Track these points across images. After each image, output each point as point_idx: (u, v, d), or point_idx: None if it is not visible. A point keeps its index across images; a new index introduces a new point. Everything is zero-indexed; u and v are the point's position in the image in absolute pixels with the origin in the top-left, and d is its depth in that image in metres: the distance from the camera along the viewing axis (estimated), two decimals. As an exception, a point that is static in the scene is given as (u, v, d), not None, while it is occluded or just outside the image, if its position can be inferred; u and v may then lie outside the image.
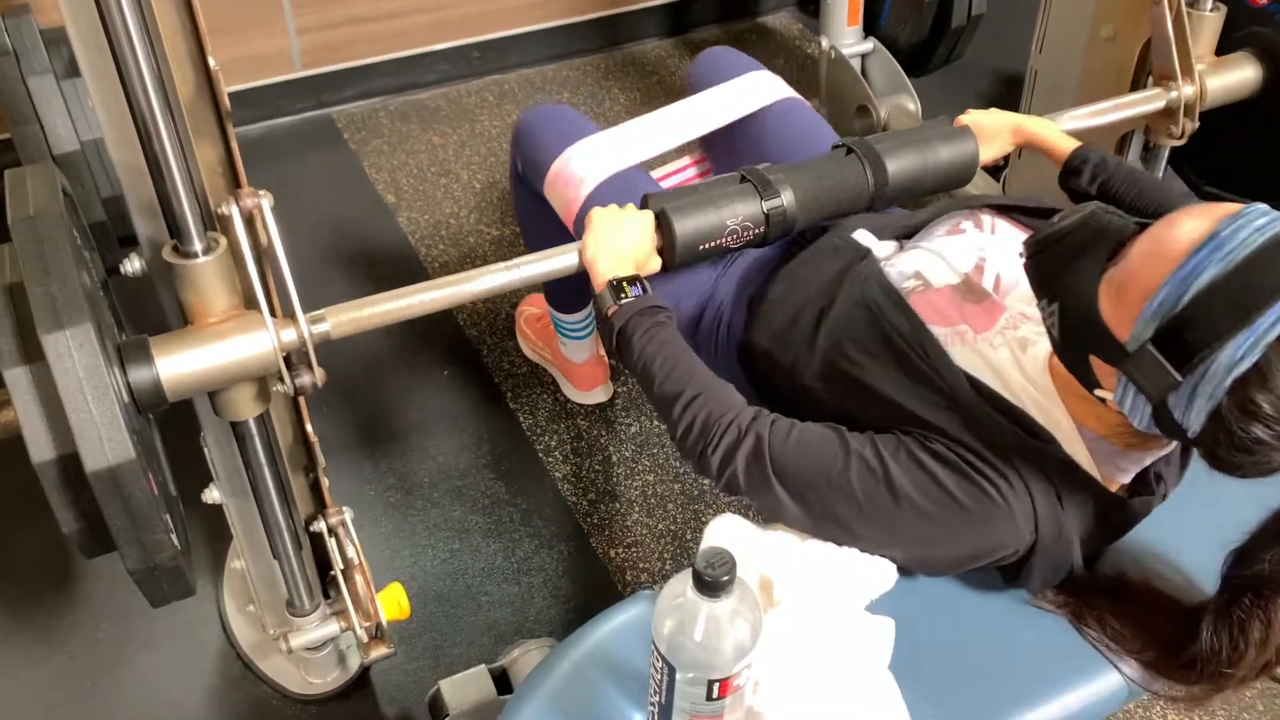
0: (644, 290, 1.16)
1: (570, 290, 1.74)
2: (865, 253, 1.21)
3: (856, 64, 2.30)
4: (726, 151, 1.59)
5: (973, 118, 1.40)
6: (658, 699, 0.85)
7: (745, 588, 0.80)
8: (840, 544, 1.02)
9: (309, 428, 1.24)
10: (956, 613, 1.07)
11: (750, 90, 1.56)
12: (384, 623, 1.31)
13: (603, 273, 1.17)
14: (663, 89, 2.63)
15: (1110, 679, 1.03)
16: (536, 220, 1.62)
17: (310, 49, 2.42)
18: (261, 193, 0.99)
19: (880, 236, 1.24)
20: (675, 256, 1.23)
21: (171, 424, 1.37)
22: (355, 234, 2.22)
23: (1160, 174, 1.77)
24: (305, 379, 1.07)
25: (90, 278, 1.00)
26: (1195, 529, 1.05)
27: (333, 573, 1.34)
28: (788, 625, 0.93)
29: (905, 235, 1.24)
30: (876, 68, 2.33)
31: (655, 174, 1.70)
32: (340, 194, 2.32)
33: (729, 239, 1.24)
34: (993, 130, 1.39)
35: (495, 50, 2.63)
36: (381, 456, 1.81)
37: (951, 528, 0.98)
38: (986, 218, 1.17)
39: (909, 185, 1.32)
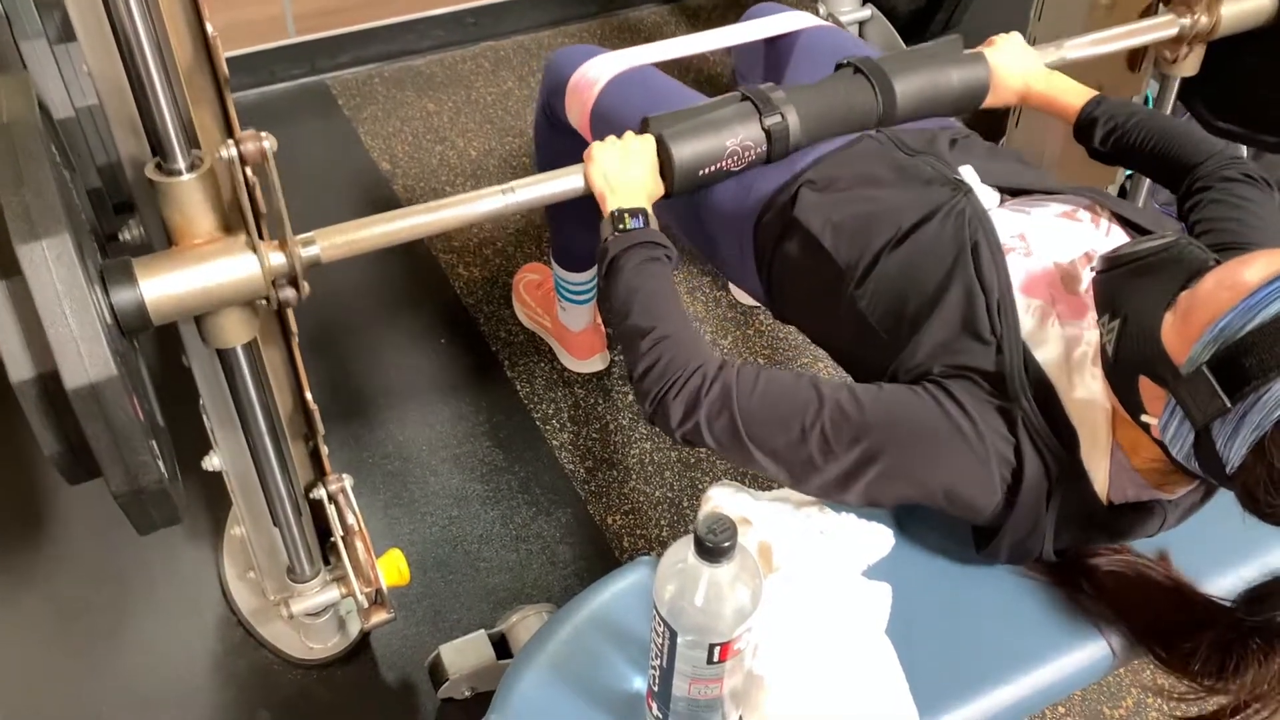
0: (645, 222, 1.13)
1: (576, 238, 1.72)
2: (968, 189, 1.14)
3: (855, 31, 2.29)
4: (758, 73, 1.56)
5: (994, 58, 1.33)
6: (659, 662, 0.86)
7: (746, 553, 0.81)
8: (806, 482, 1.00)
9: (308, 395, 1.24)
10: (952, 578, 1.08)
11: (786, 19, 1.54)
12: (384, 588, 1.32)
13: (608, 200, 1.15)
14: (659, 56, 2.62)
15: (1097, 646, 1.04)
16: (556, 160, 1.61)
17: (304, 14, 2.40)
18: (264, 135, 0.96)
19: (984, 180, 1.17)
20: (675, 183, 1.19)
21: (170, 398, 1.38)
22: (350, 202, 2.21)
23: (1170, 106, 1.72)
24: (288, 292, 1.04)
25: (70, 194, 0.96)
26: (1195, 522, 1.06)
27: (333, 539, 1.34)
28: (786, 590, 0.94)
29: (1011, 193, 1.18)
30: (874, 35, 2.32)
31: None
32: (335, 161, 2.31)
33: (730, 161, 1.20)
34: (1002, 82, 1.33)
35: (490, 16, 2.61)
36: (380, 425, 1.82)
37: (924, 458, 0.97)
38: (1104, 219, 1.13)
39: (918, 107, 1.27)
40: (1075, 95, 1.32)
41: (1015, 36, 1.38)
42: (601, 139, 1.28)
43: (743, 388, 1.00)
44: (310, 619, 1.48)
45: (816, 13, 2.30)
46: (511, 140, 2.36)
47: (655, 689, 0.89)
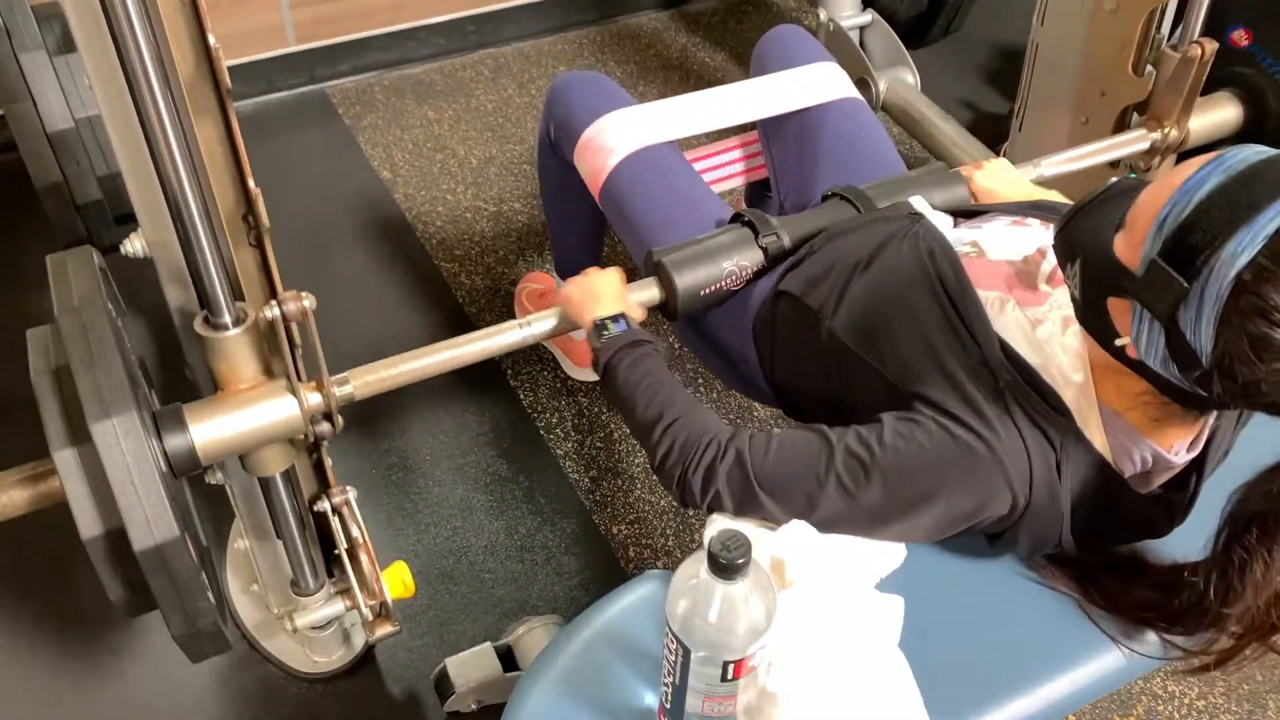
0: (626, 324, 1.19)
1: (580, 254, 1.73)
2: (920, 217, 1.21)
3: (855, 36, 2.28)
4: (782, 139, 1.56)
5: (981, 178, 1.40)
6: (671, 679, 0.85)
7: (759, 569, 0.80)
8: (831, 530, 1.01)
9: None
10: (965, 589, 1.07)
11: (814, 83, 1.54)
12: (389, 601, 1.31)
13: (586, 315, 1.22)
14: (659, 61, 2.61)
15: (1113, 656, 1.03)
16: (560, 190, 1.62)
17: (303, 23, 2.40)
18: (304, 295, 1.04)
19: (935, 207, 1.26)
20: (678, 307, 1.30)
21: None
22: (351, 211, 2.20)
23: None
24: (324, 427, 1.15)
25: (127, 351, 1.05)
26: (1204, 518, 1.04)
27: (337, 552, 1.33)
28: (799, 605, 0.93)
29: (963, 216, 1.26)
30: (875, 40, 2.31)
31: (697, 155, 1.68)
32: (335, 170, 2.30)
33: (728, 281, 1.30)
34: (992, 194, 1.39)
35: (490, 23, 2.60)
36: (383, 436, 1.81)
37: (940, 488, 0.97)
38: (1054, 225, 1.15)
39: None
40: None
41: (1002, 161, 1.47)
42: (609, 216, 1.44)
43: (755, 452, 1.03)
44: (315, 632, 1.47)
45: (817, 18, 2.29)
46: (512, 148, 2.36)
47: (668, 706, 0.88)
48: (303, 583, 1.39)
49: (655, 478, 1.74)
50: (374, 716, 1.49)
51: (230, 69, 2.57)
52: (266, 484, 1.23)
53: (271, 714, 1.48)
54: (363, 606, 1.32)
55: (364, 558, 1.31)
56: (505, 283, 2.05)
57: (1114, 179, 0.98)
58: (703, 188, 1.47)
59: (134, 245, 1.24)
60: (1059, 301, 1.03)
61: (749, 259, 1.30)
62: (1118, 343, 0.91)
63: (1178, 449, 0.99)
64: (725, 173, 1.67)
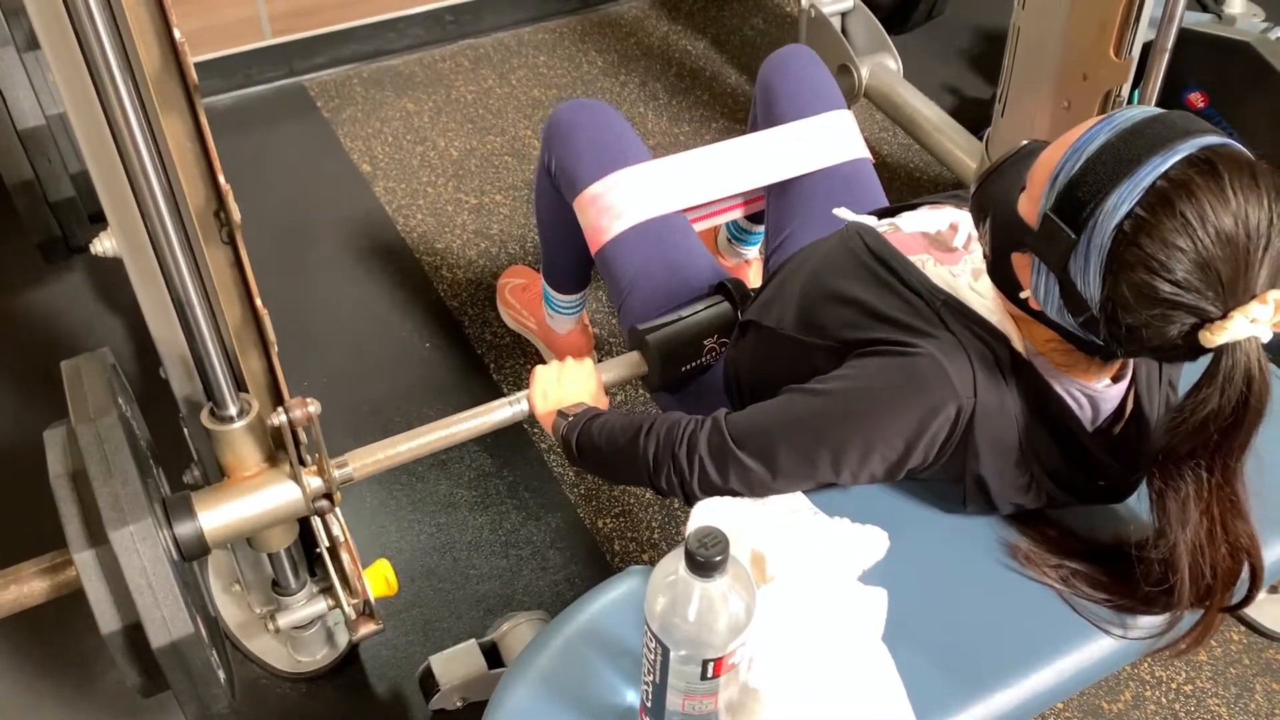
0: (584, 404, 1.25)
1: (569, 272, 1.72)
2: (845, 224, 1.26)
3: (837, 22, 2.26)
4: (785, 197, 1.55)
5: None
6: (651, 678, 0.84)
7: (738, 566, 0.79)
8: (810, 481, 1.05)
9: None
10: (948, 582, 1.06)
11: (822, 141, 1.52)
12: (371, 599, 1.30)
13: (549, 419, 1.27)
14: (641, 51, 2.59)
15: (1097, 645, 1.03)
16: (556, 216, 1.60)
17: (280, 15, 2.37)
18: (310, 401, 1.09)
19: (859, 213, 1.30)
20: (659, 382, 1.38)
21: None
22: (331, 205, 2.18)
23: None
24: (323, 504, 1.20)
25: (138, 443, 1.12)
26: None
27: (318, 550, 1.32)
28: (781, 600, 0.93)
29: (884, 214, 1.28)
30: (857, 26, 2.29)
31: (698, 211, 1.63)
32: (315, 164, 2.28)
33: (708, 357, 1.39)
34: None
35: (469, 13, 2.58)
36: (365, 431, 1.79)
37: (888, 400, 1.00)
38: (967, 209, 1.19)
39: None
40: None
41: None
42: (602, 270, 1.47)
43: (731, 420, 1.08)
44: (298, 632, 1.46)
45: (799, 5, 2.28)
46: (493, 139, 2.34)
47: (649, 704, 0.87)
48: (284, 582, 1.38)
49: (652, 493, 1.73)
50: (359, 716, 1.48)
51: (207, 63, 2.53)
52: (271, 557, 1.34)
53: (255, 714, 1.47)
54: (345, 605, 1.31)
55: (345, 556, 1.30)
56: (488, 275, 2.04)
57: (1025, 141, 1.01)
58: (698, 254, 1.47)
59: (104, 245, 1.22)
60: (973, 261, 1.09)
61: (728, 333, 1.37)
62: (1021, 295, 0.96)
63: (1101, 381, 1.02)
64: (725, 205, 1.64)
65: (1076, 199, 0.86)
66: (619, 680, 0.96)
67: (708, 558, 0.76)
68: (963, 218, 1.17)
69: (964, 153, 2.14)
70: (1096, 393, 1.02)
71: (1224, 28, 1.99)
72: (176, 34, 0.96)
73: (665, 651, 0.80)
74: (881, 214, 1.28)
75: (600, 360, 1.87)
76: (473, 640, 1.43)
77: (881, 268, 1.09)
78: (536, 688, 0.96)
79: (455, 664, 1.41)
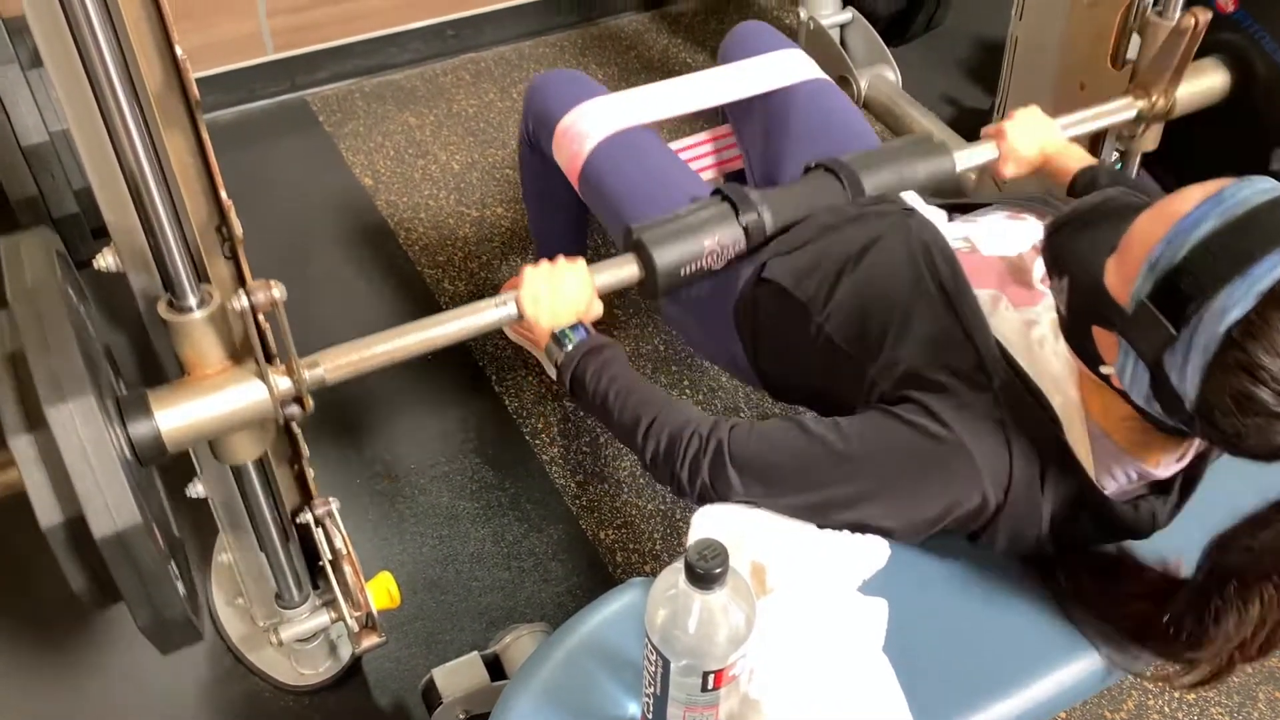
0: (586, 333, 1.18)
1: (564, 244, 1.73)
2: (912, 211, 1.19)
3: (835, 34, 2.27)
4: (751, 125, 1.58)
5: (1013, 134, 1.41)
6: (652, 690, 0.84)
7: (738, 577, 0.80)
8: (807, 519, 1.02)
9: (296, 434, 1.23)
10: (949, 593, 1.06)
11: (779, 66, 1.55)
12: (374, 612, 1.30)
13: (543, 331, 1.18)
14: (641, 63, 2.60)
15: (1092, 660, 1.02)
16: (541, 186, 1.62)
17: (282, 31, 2.38)
18: (274, 284, 1.01)
19: (928, 202, 1.24)
20: (658, 285, 1.26)
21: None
22: (333, 218, 2.19)
23: (1133, 177, 1.78)
24: (294, 410, 1.10)
25: (88, 335, 1.03)
26: (1185, 520, 1.04)
27: (321, 563, 1.32)
28: (781, 611, 0.93)
29: (958, 210, 1.24)
30: (856, 37, 2.30)
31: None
32: (317, 177, 2.29)
33: (710, 259, 1.26)
34: (1024, 154, 1.41)
35: (470, 28, 2.59)
36: (367, 444, 1.80)
37: (915, 480, 0.97)
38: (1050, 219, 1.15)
39: (886, 193, 1.33)
40: (1078, 162, 1.40)
41: (1033, 109, 1.46)
42: (589, 202, 1.40)
43: (735, 442, 1.04)
44: (300, 645, 1.46)
45: (797, 18, 2.29)
46: (494, 152, 2.35)
47: (650, 716, 0.87)
48: (287, 595, 1.38)
49: (644, 479, 1.74)
50: (362, 728, 1.48)
51: (209, 79, 2.55)
52: (239, 474, 1.20)
53: (259, 728, 1.47)
54: (348, 618, 1.31)
55: (348, 569, 1.30)
56: (489, 288, 2.04)
57: (1109, 190, 0.95)
58: (680, 165, 1.47)
59: (107, 260, 1.23)
60: (1051, 303, 1.02)
61: (730, 237, 1.26)
62: (1103, 370, 0.90)
63: (1164, 465, 0.98)
64: (697, 166, 1.68)
65: (1179, 291, 0.79)
66: (620, 692, 0.96)
67: (707, 570, 0.76)
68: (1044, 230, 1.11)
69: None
70: (1155, 474, 0.98)
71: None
72: (178, 50, 0.96)
73: (666, 663, 0.80)
74: (950, 208, 1.22)
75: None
76: (475, 652, 1.43)
77: (945, 306, 1.02)
78: (538, 700, 0.96)
79: (458, 676, 1.41)
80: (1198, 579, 0.90)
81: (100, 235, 1.70)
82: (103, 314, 1.97)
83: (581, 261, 1.22)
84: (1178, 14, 1.60)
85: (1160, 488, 1.02)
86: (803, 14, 2.27)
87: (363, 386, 1.88)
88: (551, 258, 1.72)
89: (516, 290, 1.19)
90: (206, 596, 1.59)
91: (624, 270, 1.27)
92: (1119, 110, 1.63)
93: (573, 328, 1.18)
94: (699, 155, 1.72)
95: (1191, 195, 0.82)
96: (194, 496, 1.30)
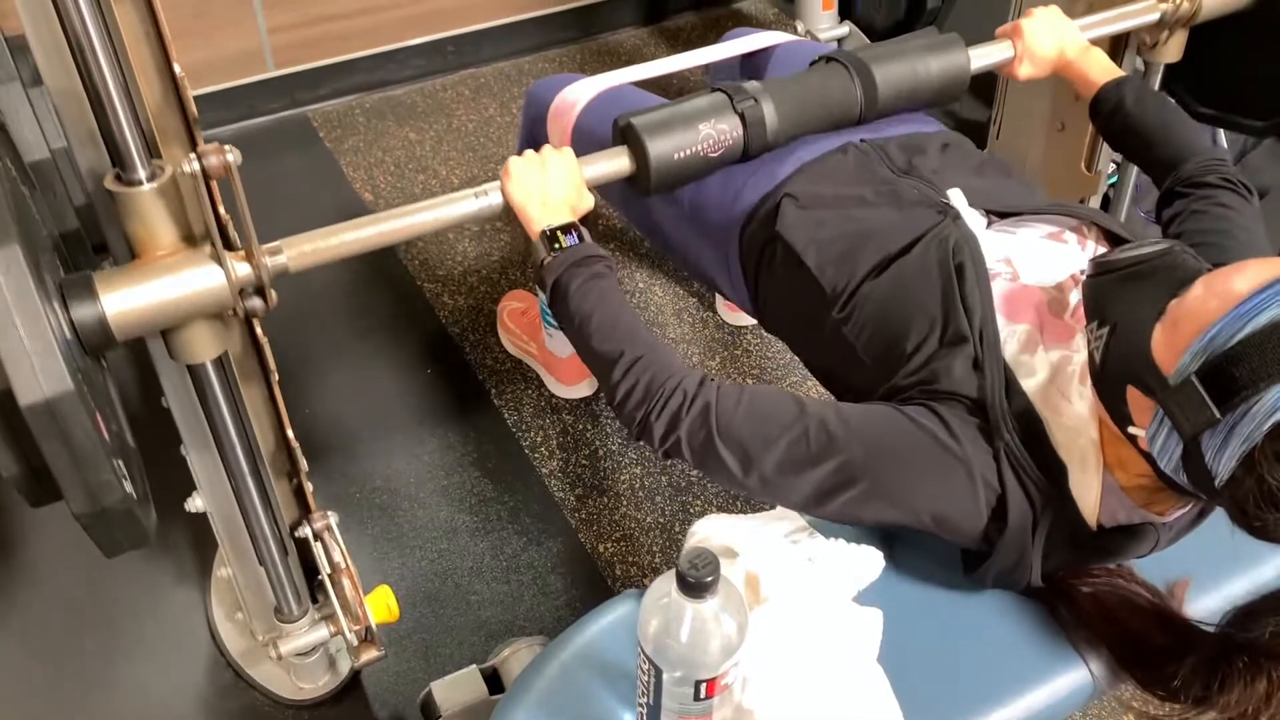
0: (580, 238, 1.10)
1: None
2: (955, 214, 1.13)
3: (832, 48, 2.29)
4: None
5: (1030, 32, 1.35)
6: (646, 699, 0.85)
7: (730, 587, 0.80)
8: (784, 497, 0.99)
9: (289, 432, 1.23)
10: (944, 601, 1.06)
11: (762, 36, 1.57)
12: (373, 626, 1.31)
13: (535, 219, 1.11)
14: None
15: (1078, 673, 1.02)
16: None
17: (282, 48, 2.40)
18: (228, 148, 0.93)
19: (971, 203, 1.16)
20: (652, 175, 1.16)
21: (154, 444, 1.36)
22: (334, 233, 2.20)
23: (1156, 89, 1.73)
24: (255, 302, 1.02)
25: (26, 209, 0.94)
26: (1185, 544, 1.04)
27: (320, 577, 1.33)
28: (775, 621, 0.93)
29: (998, 214, 1.18)
30: (853, 52, 2.32)
31: None
32: (317, 193, 2.30)
33: (705, 145, 1.17)
34: (1042, 54, 1.36)
35: (470, 44, 2.61)
36: (366, 458, 1.80)
37: (912, 477, 0.96)
38: (1091, 240, 1.13)
39: (899, 95, 1.26)
40: (1100, 72, 1.34)
41: (1053, 8, 1.40)
42: (582, 155, 1.26)
43: (724, 405, 0.99)
44: (299, 659, 1.46)
45: (795, 31, 2.30)
46: (494, 167, 2.36)
47: (644, 726, 0.87)
48: (286, 609, 1.39)
49: (643, 493, 1.74)
50: (361, 742, 1.49)
51: (210, 95, 2.56)
52: (200, 382, 1.10)
53: (258, 742, 1.47)
54: (347, 632, 1.31)
55: (347, 583, 1.31)
56: (488, 302, 2.05)
57: (1167, 242, 0.91)
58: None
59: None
60: (1084, 341, 1.00)
61: (727, 123, 1.18)
62: (1131, 430, 0.88)
63: (1171, 514, 0.97)
64: None
65: (1230, 378, 0.78)
66: (615, 703, 0.96)
67: (699, 579, 0.76)
68: (1084, 266, 1.06)
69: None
70: (1162, 521, 0.97)
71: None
72: (176, 68, 0.97)
73: (659, 673, 0.81)
74: (995, 213, 1.17)
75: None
76: (474, 666, 1.43)
77: (975, 347, 0.99)
78: (534, 711, 0.96)
79: (456, 690, 1.41)
80: (1213, 641, 0.90)
81: (101, 251, 1.71)
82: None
83: (569, 149, 1.16)
84: None
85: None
86: (800, 28, 2.29)
87: (361, 399, 1.89)
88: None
89: (502, 179, 1.13)
90: (206, 611, 1.59)
91: (615, 161, 1.19)
92: (1142, 12, 1.54)
93: (564, 230, 1.09)
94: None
95: (1251, 274, 0.81)
96: (193, 511, 1.30)
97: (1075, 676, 1.02)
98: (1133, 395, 0.87)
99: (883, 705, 0.94)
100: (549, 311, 1.78)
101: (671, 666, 0.80)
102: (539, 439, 1.83)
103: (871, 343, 1.08)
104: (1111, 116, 1.30)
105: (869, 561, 1.03)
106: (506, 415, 1.87)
